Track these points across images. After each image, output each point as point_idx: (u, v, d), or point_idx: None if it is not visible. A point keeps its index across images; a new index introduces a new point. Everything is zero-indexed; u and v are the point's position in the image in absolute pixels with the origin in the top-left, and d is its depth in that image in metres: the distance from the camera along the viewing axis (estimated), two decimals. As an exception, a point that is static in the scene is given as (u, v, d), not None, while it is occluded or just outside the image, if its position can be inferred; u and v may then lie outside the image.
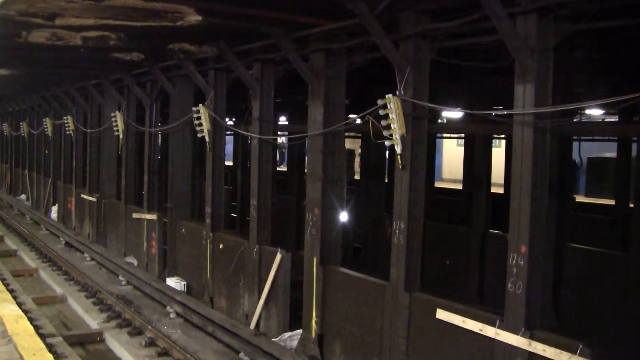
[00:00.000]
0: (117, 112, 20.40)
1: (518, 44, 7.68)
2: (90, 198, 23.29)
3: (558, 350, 7.35)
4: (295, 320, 12.49)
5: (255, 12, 10.15)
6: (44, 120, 28.83)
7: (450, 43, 9.64)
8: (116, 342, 13.01)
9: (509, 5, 7.71)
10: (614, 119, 20.76)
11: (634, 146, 15.54)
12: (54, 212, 28.22)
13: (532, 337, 7.66)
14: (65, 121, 25.54)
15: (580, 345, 7.16)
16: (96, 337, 13.44)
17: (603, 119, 21.73)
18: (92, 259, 20.35)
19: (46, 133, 28.79)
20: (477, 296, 16.44)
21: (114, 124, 20.39)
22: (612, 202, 19.36)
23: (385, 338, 9.99)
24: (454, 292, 14.43)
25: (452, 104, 16.88)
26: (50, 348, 10.82)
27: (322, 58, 11.30)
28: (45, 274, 19.08)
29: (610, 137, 20.72)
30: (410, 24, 9.38)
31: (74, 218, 25.33)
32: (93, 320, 14.38)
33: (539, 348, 7.54)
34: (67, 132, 25.83)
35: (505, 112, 8.57)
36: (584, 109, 17.32)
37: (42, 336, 11.06)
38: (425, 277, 11.77)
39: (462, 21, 8.56)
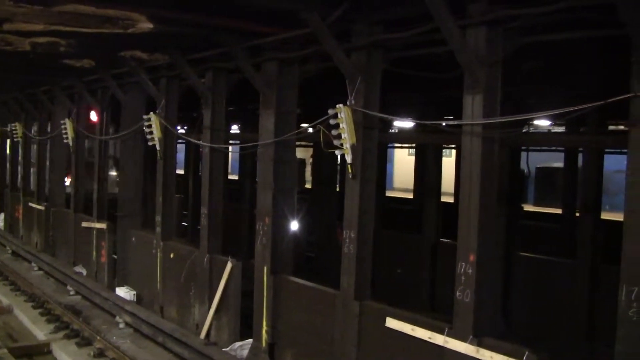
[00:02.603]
0: (67, 119, 20.15)
1: (468, 55, 7.79)
2: (38, 206, 22.95)
3: (505, 357, 7.45)
4: (247, 329, 12.45)
5: (208, 20, 10.11)
6: (-10, 127, 28.36)
7: (402, 53, 9.73)
8: (64, 353, 12.80)
9: (459, 17, 7.81)
10: (562, 129, 21.13)
11: (581, 156, 15.82)
12: (0, 221, 27.72)
13: (480, 345, 7.76)
14: (14, 128, 25.14)
15: (527, 352, 7.27)
16: (43, 349, 13.20)
17: (549, 130, 22.10)
18: (40, 269, 20.02)
19: (-8, 140, 28.32)
20: (429, 304, 16.57)
21: (64, 131, 20.13)
22: (559, 211, 19.68)
23: (336, 347, 10.02)
24: (405, 301, 14.51)
25: (405, 113, 17.01)
26: (-5, 360, 10.63)
27: (275, 67, 11.33)
28: (-9, 284, 18.73)
29: (558, 148, 21.11)
30: (362, 34, 9.46)
31: (22, 227, 24.90)
32: (40, 331, 14.11)
33: (486, 355, 7.64)
34: (15, 139, 25.43)
35: (454, 123, 8.68)
36: (532, 119, 17.61)
37: (-13, 348, 10.87)
38: (376, 286, 11.85)
39: (414, 32, 8.65)
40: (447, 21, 7.61)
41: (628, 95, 6.34)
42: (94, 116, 18.80)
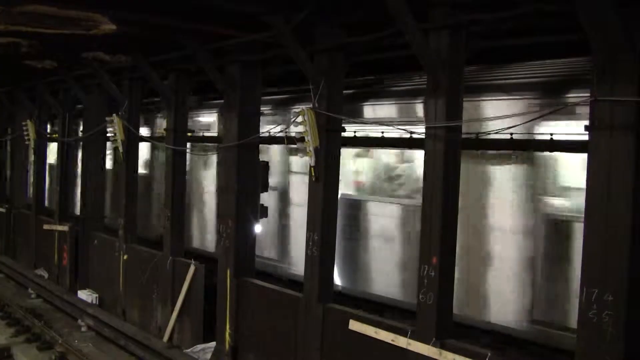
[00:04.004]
0: (28, 120, 19.90)
1: (430, 59, 7.83)
2: (-1, 209, 22.67)
3: (467, 359, 7.50)
4: (210, 332, 12.39)
5: (171, 22, 10.05)
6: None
7: (366, 57, 9.74)
8: (25, 357, 12.66)
9: (422, 21, 7.84)
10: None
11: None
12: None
13: (442, 347, 7.79)
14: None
15: (489, 354, 7.33)
16: (3, 353, 13.01)
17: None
18: (1, 272, 19.77)
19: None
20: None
21: (25, 133, 19.88)
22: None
23: (299, 349, 10.01)
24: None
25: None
26: (-47, 365, 10.48)
27: (238, 69, 11.29)
28: (-50, 288, 18.44)
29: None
30: (326, 37, 9.47)
31: (-19, 230, 24.55)
32: (0, 335, 13.93)
33: (449, 357, 7.68)
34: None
35: (418, 125, 8.71)
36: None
37: (-55, 352, 10.71)
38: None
39: (377, 35, 8.67)
40: (410, 24, 7.63)
41: (588, 98, 6.41)
42: None
